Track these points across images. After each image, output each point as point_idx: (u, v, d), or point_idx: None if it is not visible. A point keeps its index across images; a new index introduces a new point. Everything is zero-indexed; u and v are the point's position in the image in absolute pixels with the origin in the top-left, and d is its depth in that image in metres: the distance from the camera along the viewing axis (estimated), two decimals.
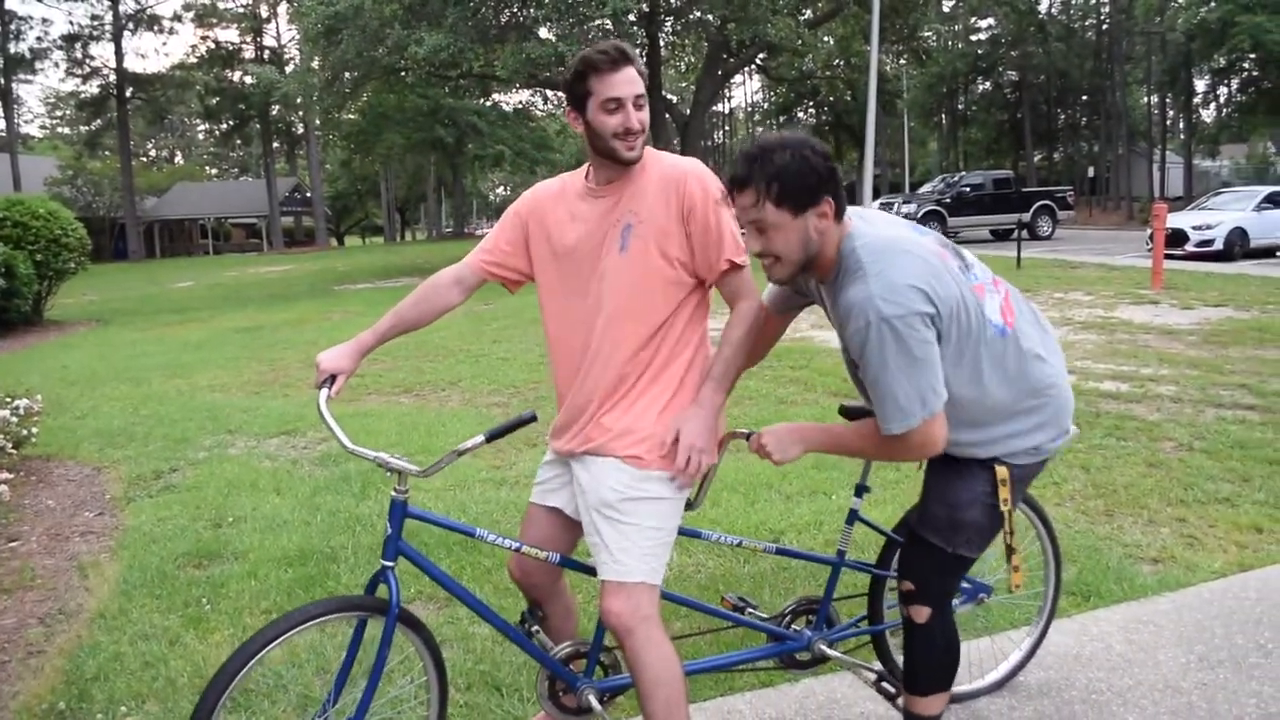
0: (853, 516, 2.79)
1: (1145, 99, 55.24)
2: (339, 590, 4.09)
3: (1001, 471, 2.41)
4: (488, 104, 47.40)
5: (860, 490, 2.79)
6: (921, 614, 2.51)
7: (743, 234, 2.31)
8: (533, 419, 2.32)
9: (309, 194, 64.44)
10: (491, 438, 2.29)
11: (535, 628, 2.53)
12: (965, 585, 2.94)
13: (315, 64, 31.77)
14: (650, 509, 2.35)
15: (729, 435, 2.55)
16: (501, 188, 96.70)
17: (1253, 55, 39.98)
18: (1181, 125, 54.02)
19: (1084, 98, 56.80)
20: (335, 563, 4.41)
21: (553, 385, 2.59)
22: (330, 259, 40.67)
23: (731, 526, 4.60)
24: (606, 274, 2.38)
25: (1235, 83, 48.98)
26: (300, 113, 50.73)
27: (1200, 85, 50.96)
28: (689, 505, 2.48)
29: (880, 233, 2.27)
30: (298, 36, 34.21)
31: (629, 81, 2.31)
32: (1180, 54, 45.45)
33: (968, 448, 2.42)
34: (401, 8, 25.07)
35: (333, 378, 2.50)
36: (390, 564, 2.33)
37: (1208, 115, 55.73)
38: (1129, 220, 41.87)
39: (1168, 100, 53.43)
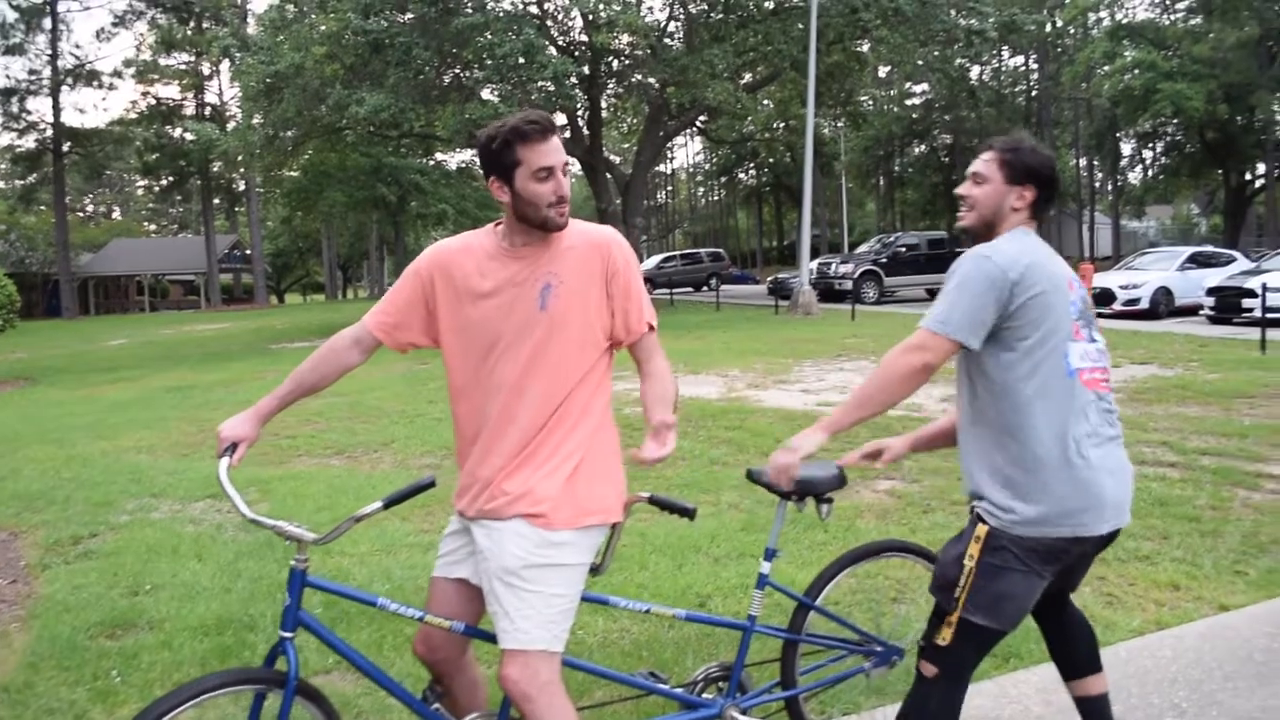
0: (762, 581, 2.78)
1: (1074, 162, 56.93)
2: (255, 661, 3.99)
3: (980, 529, 2.49)
4: (430, 163, 47.50)
5: (769, 554, 2.78)
6: (928, 669, 2.58)
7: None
8: (431, 484, 2.31)
9: (249, 251, 63.83)
10: (389, 504, 2.28)
11: (436, 704, 2.49)
12: (877, 648, 2.94)
13: (256, 121, 31.66)
14: (554, 575, 2.33)
15: (631, 499, 2.54)
16: None
17: (1175, 120, 41.46)
18: (1109, 187, 55.68)
19: None
20: (253, 631, 4.31)
21: (455, 447, 2.57)
22: (269, 316, 40.31)
23: (658, 590, 4.58)
24: (521, 332, 2.39)
25: (1159, 146, 50.81)
26: (240, 170, 50.45)
27: (1126, 149, 52.72)
28: (594, 570, 2.46)
29: (1039, 243, 2.63)
30: (239, 94, 34.18)
31: (556, 150, 2.35)
32: (1106, 119, 47.02)
33: (971, 452, 2.60)
34: (343, 68, 25.18)
35: (234, 445, 2.48)
36: (289, 635, 2.29)
37: (1134, 177, 57.56)
38: None
39: (1095, 163, 55.14)
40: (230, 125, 41.74)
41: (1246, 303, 17.82)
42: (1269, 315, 14.40)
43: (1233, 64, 39.45)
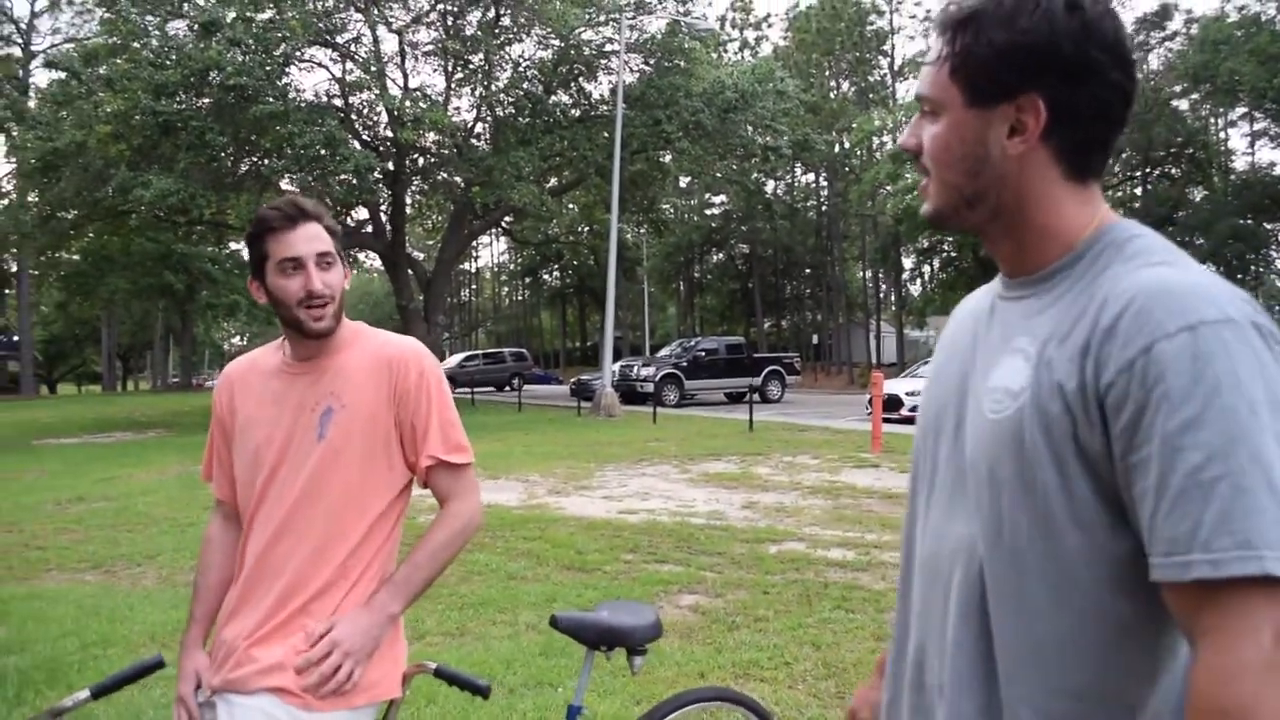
0: None
1: (861, 273, 60.09)
2: None
3: None
4: (224, 251, 45.69)
5: (573, 713, 2.39)
6: None
7: None
8: (159, 664, 1.93)
9: (15, 336, 59.25)
10: (100, 693, 1.89)
11: None
12: None
13: (31, 199, 29.75)
14: None
15: (413, 669, 2.16)
16: (237, 337, 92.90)
17: (951, 238, 44.52)
18: (893, 298, 59.05)
19: (807, 270, 61.39)
20: None
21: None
22: (35, 408, 37.21)
23: None
24: (296, 465, 2.03)
25: (937, 262, 54.51)
26: (12, 250, 47.12)
27: (908, 263, 56.06)
28: None
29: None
30: (14, 170, 32.13)
31: (310, 238, 2.02)
32: (890, 235, 49.99)
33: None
34: (129, 149, 23.95)
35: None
36: None
37: (914, 290, 61.25)
38: (850, 384, 44.93)
39: (880, 275, 58.41)
40: (3, 202, 39.00)
41: None
42: None
43: None
